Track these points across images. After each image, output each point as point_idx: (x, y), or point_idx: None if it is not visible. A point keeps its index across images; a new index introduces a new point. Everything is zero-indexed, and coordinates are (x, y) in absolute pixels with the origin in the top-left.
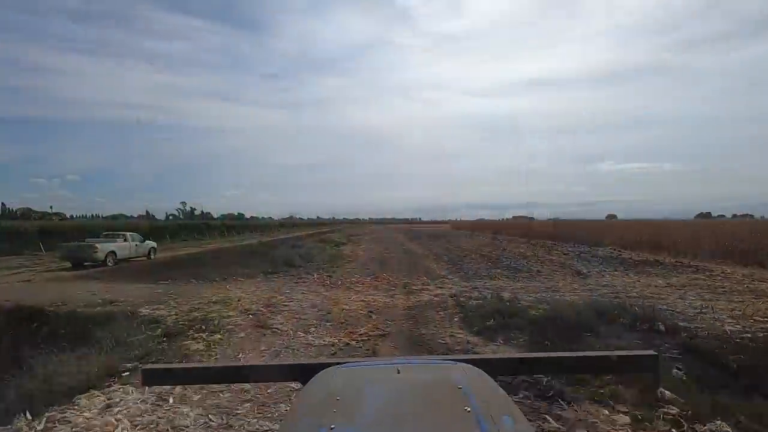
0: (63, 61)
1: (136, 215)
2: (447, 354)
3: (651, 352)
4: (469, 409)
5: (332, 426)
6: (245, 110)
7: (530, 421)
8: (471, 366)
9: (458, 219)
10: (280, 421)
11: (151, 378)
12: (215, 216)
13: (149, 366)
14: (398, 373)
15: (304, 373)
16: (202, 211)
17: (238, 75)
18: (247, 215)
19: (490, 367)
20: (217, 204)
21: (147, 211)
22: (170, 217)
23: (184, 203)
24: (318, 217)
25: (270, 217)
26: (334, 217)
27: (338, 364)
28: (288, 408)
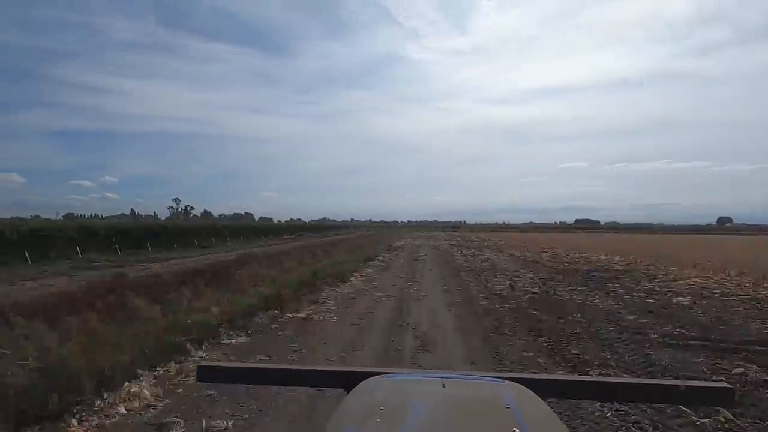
0: (118, 83)
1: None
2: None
3: (725, 384)
4: (517, 430)
5: None
6: (276, 122)
7: None
8: (521, 386)
9: (505, 222)
10: (325, 427)
11: (205, 375)
12: (216, 215)
13: (204, 364)
14: (443, 387)
15: (348, 380)
16: (205, 210)
17: (269, 91)
18: (283, 218)
19: (540, 387)
20: (256, 207)
21: (132, 210)
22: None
23: (176, 200)
24: (353, 219)
25: (299, 219)
26: (370, 220)
27: (383, 373)
28: (330, 416)
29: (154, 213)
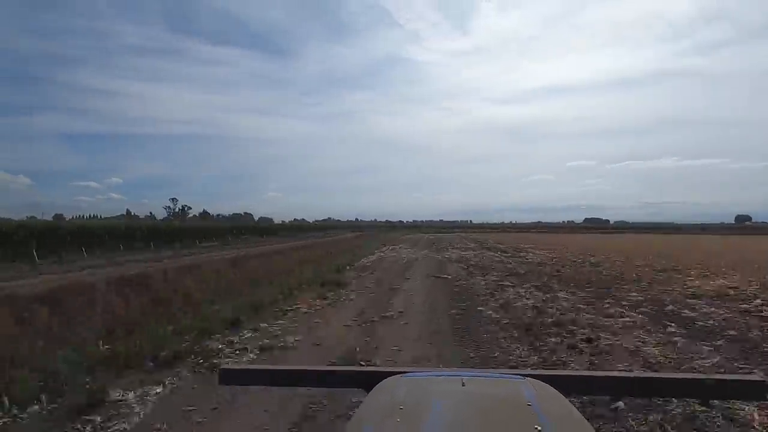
0: (126, 86)
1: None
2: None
3: (757, 377)
4: (539, 428)
5: None
6: (281, 123)
7: None
8: (541, 382)
9: (512, 222)
10: (345, 427)
11: (227, 378)
12: (215, 216)
13: (226, 367)
14: (463, 385)
15: (368, 380)
16: (204, 210)
17: (273, 93)
18: (287, 218)
19: (561, 383)
20: (260, 207)
21: (128, 210)
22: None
23: (174, 200)
24: (357, 219)
25: (303, 219)
26: (375, 219)
27: (402, 372)
28: (351, 415)
29: (151, 213)
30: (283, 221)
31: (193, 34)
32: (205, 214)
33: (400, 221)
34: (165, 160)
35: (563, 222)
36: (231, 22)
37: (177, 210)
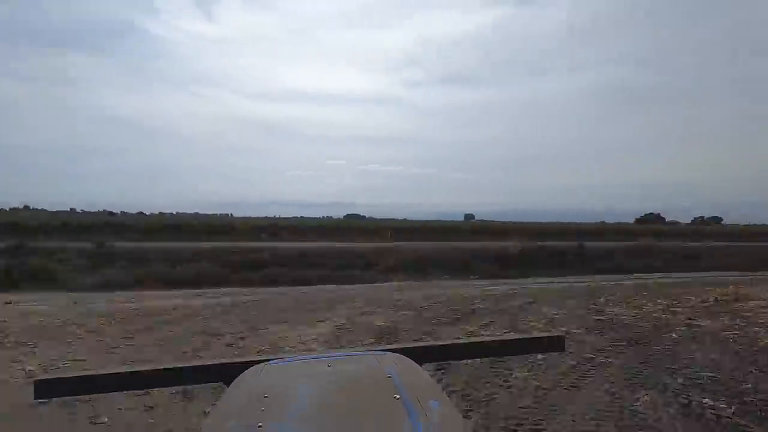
0: None
1: None
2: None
3: (559, 333)
4: (398, 396)
5: (259, 424)
6: None
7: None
8: (399, 355)
9: (276, 216)
10: (201, 424)
11: (44, 391)
12: None
13: (42, 377)
14: (329, 367)
15: (228, 373)
16: None
17: None
18: None
19: (417, 354)
20: None
21: None
22: None
23: None
24: (73, 209)
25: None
26: (108, 211)
27: (265, 361)
28: (209, 409)
29: None
30: None
31: None
32: None
33: (140, 212)
34: None
35: (323, 217)
36: None
37: None
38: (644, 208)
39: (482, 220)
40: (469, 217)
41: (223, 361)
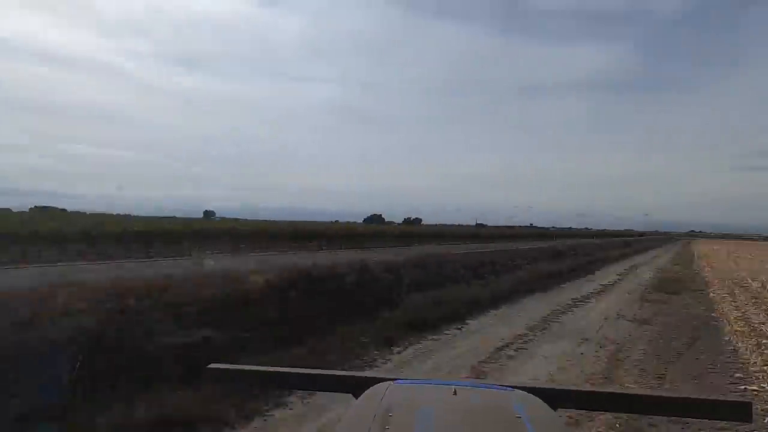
0: None
1: None
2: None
3: (743, 399)
4: None
5: None
6: None
7: None
8: (530, 395)
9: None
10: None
11: (213, 376)
12: None
13: (213, 366)
14: (455, 394)
15: (357, 385)
16: None
17: None
18: None
19: (550, 397)
20: None
21: None
22: None
23: None
24: None
25: None
26: None
27: (393, 379)
28: (338, 421)
29: None
30: None
31: None
32: None
33: None
34: None
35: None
36: None
37: None
38: (371, 210)
39: (223, 217)
40: (209, 214)
41: (353, 373)
